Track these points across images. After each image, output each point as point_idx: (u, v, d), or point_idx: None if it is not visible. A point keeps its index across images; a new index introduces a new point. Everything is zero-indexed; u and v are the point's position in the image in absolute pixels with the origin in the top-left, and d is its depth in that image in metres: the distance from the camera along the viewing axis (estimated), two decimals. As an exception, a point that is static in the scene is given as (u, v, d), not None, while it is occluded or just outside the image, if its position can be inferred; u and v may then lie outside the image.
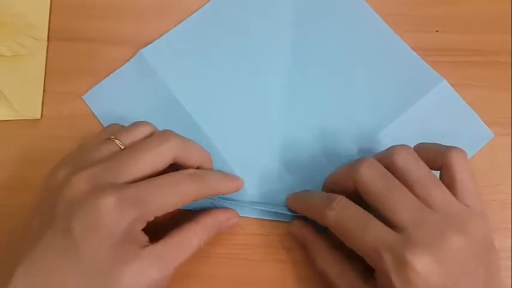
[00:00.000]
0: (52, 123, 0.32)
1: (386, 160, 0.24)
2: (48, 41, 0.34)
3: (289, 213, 0.28)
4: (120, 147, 0.24)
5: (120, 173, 0.23)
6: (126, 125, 0.27)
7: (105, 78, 0.33)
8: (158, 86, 0.32)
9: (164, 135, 0.25)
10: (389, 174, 0.23)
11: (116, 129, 0.26)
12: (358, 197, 0.24)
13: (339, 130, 0.31)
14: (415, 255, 0.20)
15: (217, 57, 0.33)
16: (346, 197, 0.24)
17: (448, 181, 0.24)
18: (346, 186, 0.25)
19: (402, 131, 0.30)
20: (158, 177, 0.23)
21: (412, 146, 0.25)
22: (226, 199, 0.29)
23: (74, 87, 0.33)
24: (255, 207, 0.29)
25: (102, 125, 0.32)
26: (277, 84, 0.32)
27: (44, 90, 0.33)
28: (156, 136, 0.25)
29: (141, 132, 0.26)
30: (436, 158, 0.24)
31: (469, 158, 0.28)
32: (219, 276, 0.28)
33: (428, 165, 0.24)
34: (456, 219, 0.22)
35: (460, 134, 0.30)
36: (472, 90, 0.31)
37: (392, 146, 0.25)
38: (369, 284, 0.23)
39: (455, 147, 0.24)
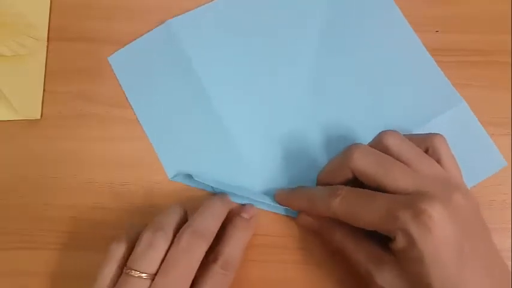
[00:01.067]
0: (52, 123, 0.32)
1: (378, 145, 0.25)
2: (48, 41, 0.34)
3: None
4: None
5: None
6: (143, 89, 0.31)
7: (131, 43, 0.33)
8: (181, 57, 0.33)
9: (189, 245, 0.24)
10: (382, 153, 0.24)
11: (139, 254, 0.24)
12: (356, 185, 0.25)
13: (351, 135, 0.31)
14: (430, 204, 0.21)
15: (243, 41, 0.33)
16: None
17: (435, 158, 0.25)
18: (343, 175, 0.25)
19: None
20: None
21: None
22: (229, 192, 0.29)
23: (74, 87, 0.33)
24: (258, 199, 0.29)
25: (121, 87, 0.32)
26: (299, 77, 0.32)
27: (44, 90, 0.33)
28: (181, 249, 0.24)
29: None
30: (421, 142, 0.25)
31: (477, 183, 0.30)
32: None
33: None
34: (453, 183, 0.24)
35: (472, 159, 0.29)
36: (472, 90, 0.31)
37: (381, 132, 0.26)
38: (386, 254, 0.23)
39: (436, 133, 0.26)
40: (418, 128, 0.30)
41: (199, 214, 0.26)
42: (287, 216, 0.30)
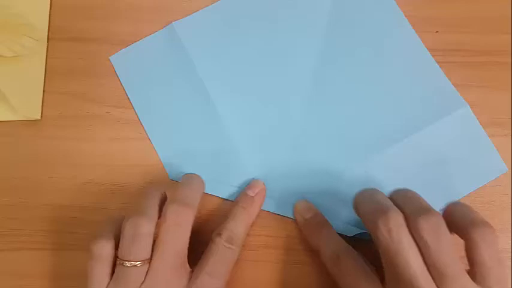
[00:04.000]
0: (52, 123, 0.32)
1: (413, 220, 0.22)
2: (48, 41, 0.34)
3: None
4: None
5: None
6: (145, 89, 0.31)
7: (134, 44, 0.34)
8: (183, 59, 0.33)
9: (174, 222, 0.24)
10: (408, 240, 0.21)
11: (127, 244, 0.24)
12: None
13: (353, 136, 0.31)
14: None
15: (246, 42, 0.33)
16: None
17: (471, 258, 0.22)
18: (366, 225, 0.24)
19: (415, 149, 0.30)
20: None
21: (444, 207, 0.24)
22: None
23: (74, 87, 0.33)
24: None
25: (123, 86, 0.33)
26: (301, 79, 0.32)
27: (44, 91, 0.33)
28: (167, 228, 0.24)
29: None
30: (461, 229, 0.22)
31: (477, 188, 0.29)
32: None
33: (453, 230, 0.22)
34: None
35: (473, 163, 0.30)
36: (472, 90, 0.31)
37: (421, 209, 0.22)
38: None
39: (483, 222, 0.22)
40: (421, 131, 0.30)
41: (177, 188, 0.26)
42: (283, 216, 0.30)
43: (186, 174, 0.29)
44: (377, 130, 0.30)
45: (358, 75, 0.32)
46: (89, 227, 0.30)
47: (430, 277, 0.21)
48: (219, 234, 0.26)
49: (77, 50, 0.34)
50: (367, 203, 0.24)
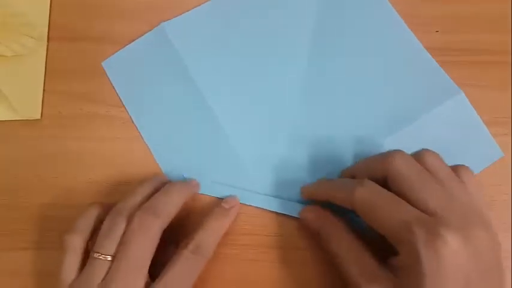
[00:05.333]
0: (52, 123, 0.32)
1: (418, 159, 0.24)
2: (48, 41, 0.34)
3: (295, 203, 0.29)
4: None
5: None
6: (138, 92, 0.32)
7: (125, 47, 0.33)
8: (175, 60, 0.33)
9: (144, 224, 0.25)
10: (422, 168, 0.24)
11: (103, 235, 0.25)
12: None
13: (348, 131, 0.31)
14: (448, 231, 0.20)
15: (237, 41, 0.33)
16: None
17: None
18: (374, 175, 0.25)
19: (411, 138, 0.30)
20: None
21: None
22: (231, 185, 0.30)
23: (74, 87, 0.33)
24: (260, 193, 0.29)
25: (116, 92, 0.32)
26: (294, 76, 0.32)
27: (44, 90, 0.33)
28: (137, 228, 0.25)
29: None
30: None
31: (475, 174, 0.29)
32: (223, 276, 0.29)
33: None
34: (480, 216, 0.23)
35: (469, 150, 0.30)
36: (472, 90, 0.31)
37: (422, 149, 0.25)
38: (381, 270, 0.23)
39: (462, 165, 0.25)
40: (416, 121, 0.30)
41: (154, 196, 0.26)
42: (283, 215, 0.30)
43: (170, 182, 0.29)
44: (372, 122, 0.31)
45: (351, 69, 0.32)
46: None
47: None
48: (186, 244, 0.26)
49: (77, 50, 0.34)
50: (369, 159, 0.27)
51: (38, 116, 0.32)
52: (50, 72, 0.33)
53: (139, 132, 0.32)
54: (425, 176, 0.23)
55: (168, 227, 0.26)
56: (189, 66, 0.32)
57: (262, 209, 0.30)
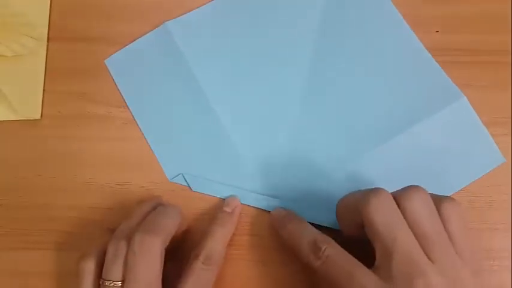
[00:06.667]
0: (52, 123, 0.32)
1: (400, 200, 0.23)
2: (48, 41, 0.34)
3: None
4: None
5: None
6: (141, 91, 0.31)
7: (128, 45, 0.33)
8: (177, 58, 0.33)
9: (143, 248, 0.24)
10: (399, 215, 0.22)
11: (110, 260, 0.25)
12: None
13: (349, 131, 0.31)
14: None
15: (240, 41, 0.33)
16: (354, 226, 0.24)
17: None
18: (354, 217, 0.24)
19: (413, 142, 0.30)
20: None
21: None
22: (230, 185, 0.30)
23: (74, 87, 0.33)
24: (260, 193, 0.29)
25: (118, 90, 0.32)
26: (296, 77, 0.32)
27: (44, 90, 0.33)
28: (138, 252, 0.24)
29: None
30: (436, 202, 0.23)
31: (475, 179, 0.29)
32: (223, 276, 0.28)
33: None
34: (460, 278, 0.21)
35: (470, 155, 0.30)
36: (472, 90, 0.31)
37: (410, 187, 0.23)
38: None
39: (448, 197, 0.24)
40: (418, 124, 0.30)
41: (149, 217, 0.26)
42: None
43: (162, 205, 0.28)
44: (374, 125, 0.31)
45: (353, 70, 0.32)
46: (88, 227, 0.30)
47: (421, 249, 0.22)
48: (197, 256, 0.26)
49: (77, 50, 0.34)
50: (349, 198, 0.25)
51: (38, 116, 0.32)
52: (50, 72, 0.33)
53: (139, 132, 0.32)
54: (399, 227, 0.22)
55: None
56: (192, 65, 0.32)
57: (262, 209, 0.30)
